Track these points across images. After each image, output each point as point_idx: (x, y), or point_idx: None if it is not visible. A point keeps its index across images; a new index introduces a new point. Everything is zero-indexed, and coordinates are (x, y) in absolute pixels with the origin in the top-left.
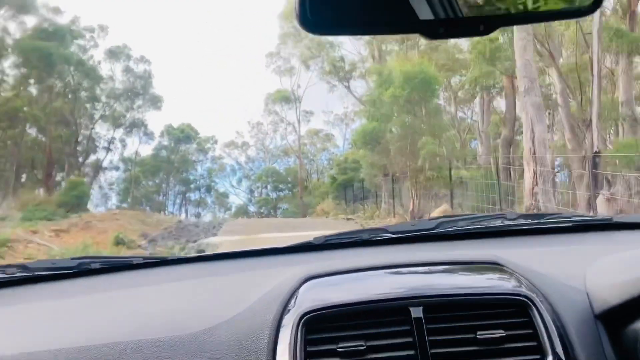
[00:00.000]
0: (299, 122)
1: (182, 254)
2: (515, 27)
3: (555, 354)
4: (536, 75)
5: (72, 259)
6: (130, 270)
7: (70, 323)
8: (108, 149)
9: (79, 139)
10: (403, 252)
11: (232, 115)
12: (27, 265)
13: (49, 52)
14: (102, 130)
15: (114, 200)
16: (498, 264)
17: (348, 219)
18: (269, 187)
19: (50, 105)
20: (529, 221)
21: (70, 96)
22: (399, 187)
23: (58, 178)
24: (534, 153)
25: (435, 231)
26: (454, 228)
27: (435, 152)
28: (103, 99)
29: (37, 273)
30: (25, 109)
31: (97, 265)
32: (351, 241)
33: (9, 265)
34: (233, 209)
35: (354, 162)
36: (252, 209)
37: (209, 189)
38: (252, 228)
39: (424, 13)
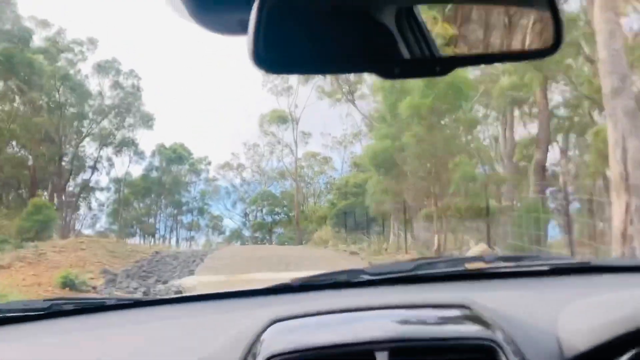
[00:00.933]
0: (296, 143)
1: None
2: (597, 5)
3: None
4: (628, 70)
5: (45, 300)
6: (102, 312)
7: None
8: (94, 168)
9: (66, 157)
10: (378, 295)
11: (227, 135)
12: None
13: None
14: (90, 148)
15: (103, 222)
16: (467, 307)
17: (352, 254)
18: (264, 210)
19: (34, 121)
20: (507, 264)
21: (55, 112)
22: (410, 216)
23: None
24: (627, 179)
25: (412, 273)
26: (432, 271)
27: (472, 175)
28: (91, 115)
29: (7, 315)
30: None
31: (69, 307)
32: (328, 283)
33: None
34: (227, 233)
35: (356, 187)
36: (246, 233)
37: (201, 212)
38: (238, 263)
39: (379, 54)
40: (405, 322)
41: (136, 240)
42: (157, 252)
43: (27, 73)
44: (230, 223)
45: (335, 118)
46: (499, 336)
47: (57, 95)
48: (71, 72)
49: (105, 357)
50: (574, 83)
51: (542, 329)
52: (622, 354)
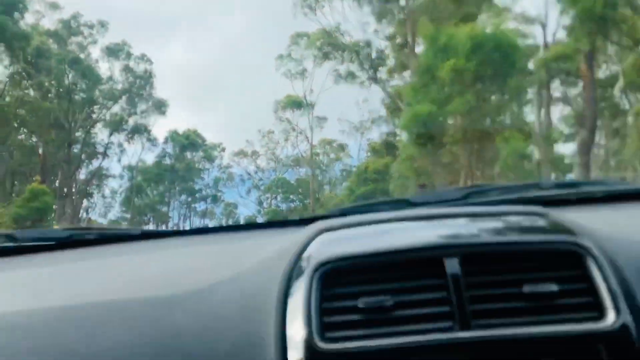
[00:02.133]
0: (311, 129)
1: None
2: None
3: (617, 309)
4: None
5: (64, 229)
6: (126, 242)
7: (58, 286)
8: (105, 155)
9: (77, 144)
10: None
11: (242, 122)
12: (14, 235)
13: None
14: (101, 135)
15: (116, 210)
16: (545, 215)
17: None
18: (278, 198)
19: (42, 106)
20: (567, 190)
21: (65, 97)
22: None
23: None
24: None
25: (464, 201)
26: (484, 199)
27: (523, 153)
28: (101, 100)
29: (24, 243)
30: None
31: (91, 237)
32: (370, 209)
33: None
34: (242, 220)
35: (376, 173)
36: (261, 220)
37: (215, 199)
38: None
39: None
40: (476, 227)
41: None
42: None
43: (34, 56)
44: (245, 210)
45: (352, 104)
46: (588, 242)
47: (66, 80)
48: (81, 55)
49: (120, 277)
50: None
51: (631, 237)
52: None
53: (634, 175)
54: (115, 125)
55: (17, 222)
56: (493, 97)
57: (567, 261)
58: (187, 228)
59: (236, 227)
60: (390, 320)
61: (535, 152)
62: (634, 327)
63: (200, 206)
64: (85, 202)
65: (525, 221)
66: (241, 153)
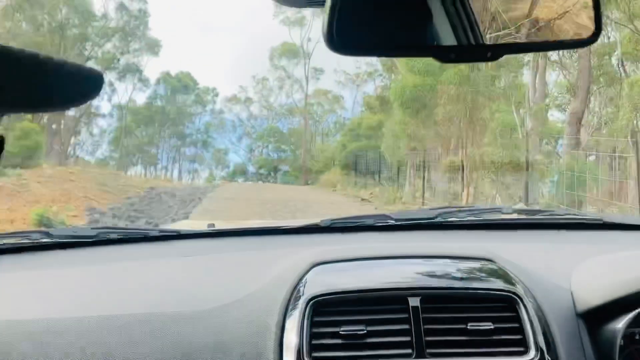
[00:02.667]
0: (307, 79)
1: None
2: None
3: (537, 347)
4: None
5: (92, 228)
6: (146, 243)
7: (90, 291)
8: None
9: None
10: (404, 240)
11: (236, 67)
12: (50, 233)
13: None
14: None
15: (104, 149)
16: (491, 260)
17: (363, 201)
18: (270, 147)
19: (34, 40)
20: (524, 216)
21: (57, 32)
22: (430, 165)
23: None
24: None
25: (435, 220)
26: (453, 219)
27: (511, 124)
28: (94, 37)
29: (58, 240)
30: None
31: (115, 236)
32: (356, 226)
33: (32, 231)
34: (231, 167)
35: (370, 129)
36: (251, 168)
37: (205, 145)
38: (239, 206)
39: (435, 40)
40: (435, 271)
41: (137, 170)
42: (152, 188)
43: None
44: (235, 157)
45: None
46: (520, 290)
47: (59, 15)
48: None
49: (148, 286)
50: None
51: (557, 283)
52: (631, 310)
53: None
54: (107, 64)
55: (5, 160)
56: (486, 65)
57: (504, 305)
58: (200, 230)
59: (250, 232)
60: (362, 345)
61: (526, 121)
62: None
63: (190, 150)
64: (73, 140)
65: (476, 266)
66: (234, 99)
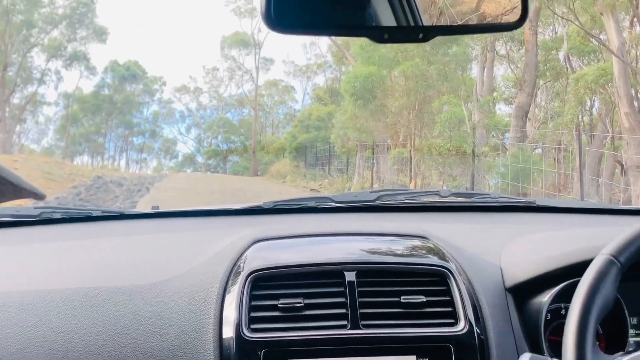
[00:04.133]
0: (257, 70)
1: None
2: None
3: (467, 319)
4: None
5: (35, 207)
6: (89, 222)
7: (34, 268)
8: (42, 81)
9: (12, 67)
10: (344, 221)
11: (186, 57)
12: None
13: None
14: (38, 60)
15: (50, 137)
16: (425, 237)
17: (312, 191)
18: (219, 137)
19: None
20: (460, 199)
21: (2, 18)
22: (378, 156)
23: None
24: None
25: (374, 203)
26: (392, 201)
27: (459, 117)
28: (40, 24)
29: (0, 219)
30: None
31: (58, 215)
32: (298, 207)
33: None
34: (180, 157)
35: (319, 120)
36: (200, 159)
37: (154, 134)
38: (187, 196)
39: (372, 20)
40: (371, 248)
41: (84, 159)
42: (99, 177)
43: None
44: (184, 148)
45: (299, 46)
46: (451, 266)
47: (4, 0)
48: None
49: (90, 263)
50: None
51: (488, 260)
52: (555, 285)
53: (569, 139)
54: (54, 51)
55: None
56: (438, 59)
57: (436, 279)
58: (144, 211)
59: (193, 213)
60: (300, 317)
61: (474, 115)
62: (475, 332)
63: (138, 140)
64: (18, 128)
65: (410, 243)
66: (183, 89)
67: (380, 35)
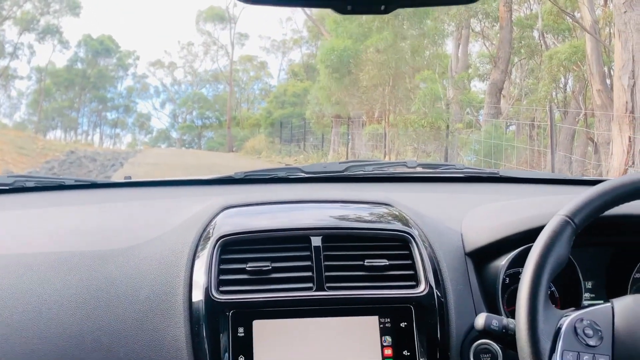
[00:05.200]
0: (232, 45)
1: None
2: None
3: (427, 282)
4: None
5: (9, 176)
6: (62, 190)
7: (8, 233)
8: (14, 55)
9: None
10: (313, 190)
11: (161, 31)
12: None
13: None
14: (11, 33)
15: (22, 112)
16: (390, 205)
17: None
18: (194, 113)
19: None
20: (426, 170)
21: None
22: (353, 131)
23: None
24: (632, 110)
25: (343, 174)
26: (360, 172)
27: (434, 93)
28: None
29: None
30: None
31: (31, 184)
32: (268, 177)
33: None
34: (154, 133)
35: (295, 96)
36: (174, 135)
37: (128, 109)
38: (162, 170)
39: None
40: (337, 214)
41: (57, 134)
42: (72, 152)
43: None
44: (158, 123)
45: (275, 21)
46: (414, 231)
47: None
48: None
49: (62, 229)
50: None
51: (449, 226)
52: (513, 250)
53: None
54: (26, 24)
55: None
56: (411, 34)
57: (398, 244)
58: (117, 181)
59: (165, 183)
60: (267, 280)
61: (449, 90)
62: (435, 294)
63: (112, 115)
64: None
65: (375, 210)
66: (158, 63)
67: (344, 6)
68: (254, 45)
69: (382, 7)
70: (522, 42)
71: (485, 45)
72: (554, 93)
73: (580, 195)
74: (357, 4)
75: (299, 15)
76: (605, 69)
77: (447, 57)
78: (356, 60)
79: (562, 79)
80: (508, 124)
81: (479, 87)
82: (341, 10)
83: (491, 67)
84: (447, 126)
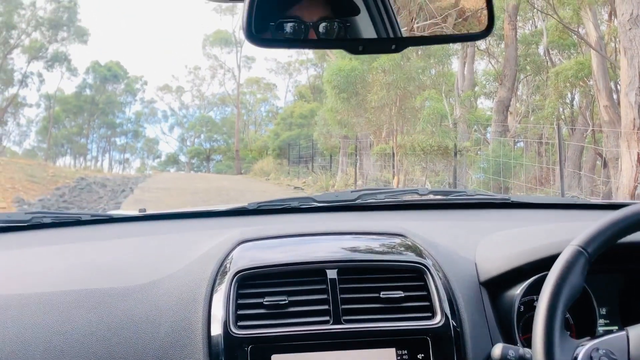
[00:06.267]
0: (239, 68)
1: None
2: None
3: (443, 312)
4: None
5: (26, 213)
6: (78, 226)
7: (27, 271)
8: (23, 83)
9: None
10: (326, 221)
11: (168, 56)
12: None
13: None
14: (19, 61)
15: (32, 139)
16: (403, 235)
17: (295, 189)
18: (202, 136)
19: None
20: (438, 197)
21: None
22: (361, 152)
23: None
24: None
25: (355, 202)
26: (372, 200)
27: (441, 112)
28: (22, 26)
29: None
30: None
31: (48, 220)
32: (281, 208)
33: None
34: (163, 157)
35: (302, 118)
36: (183, 158)
37: (136, 134)
38: (172, 195)
39: (348, 34)
40: (352, 246)
41: (66, 161)
42: (82, 178)
43: None
44: (167, 147)
45: None
46: (428, 262)
47: None
48: None
49: (81, 266)
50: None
51: (463, 256)
52: (527, 279)
53: (550, 132)
54: (35, 52)
55: None
56: (417, 55)
57: (413, 275)
58: (132, 214)
59: (180, 215)
60: (284, 314)
61: (456, 109)
62: (451, 324)
63: (121, 140)
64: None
65: (388, 241)
66: (165, 88)
67: (356, 47)
68: (261, 67)
69: (393, 47)
70: (528, 59)
71: (491, 63)
72: (561, 109)
73: (593, 225)
74: (368, 45)
75: None
76: (612, 84)
77: (453, 76)
78: (363, 81)
79: (569, 95)
80: (516, 141)
81: (485, 104)
82: (353, 50)
83: (497, 84)
84: (455, 145)
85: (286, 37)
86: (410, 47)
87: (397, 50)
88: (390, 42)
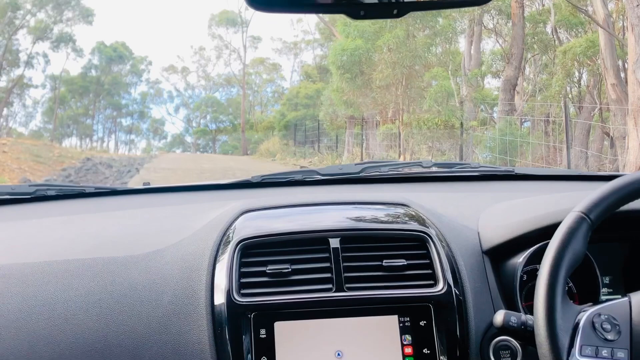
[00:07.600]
0: (244, 48)
1: None
2: None
3: (445, 280)
4: None
5: (30, 185)
6: (83, 198)
7: (31, 242)
8: (28, 64)
9: None
10: (330, 192)
11: (173, 37)
12: None
13: None
14: (25, 42)
15: (38, 120)
16: (406, 205)
17: (302, 168)
18: (208, 117)
19: None
20: (442, 169)
21: None
22: (367, 132)
23: None
24: None
25: (359, 175)
26: (376, 173)
27: (447, 90)
28: (26, 6)
29: None
30: None
31: (52, 192)
32: (285, 181)
33: None
34: (169, 138)
35: (307, 98)
36: (189, 139)
37: (142, 115)
38: (178, 175)
39: None
40: (355, 215)
41: (72, 142)
42: (88, 159)
43: None
44: (173, 128)
45: (287, 23)
46: (431, 231)
47: None
48: None
49: (85, 236)
50: None
51: (466, 225)
52: (530, 247)
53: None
54: (40, 33)
55: None
56: (423, 34)
57: (416, 243)
58: (136, 187)
59: (183, 188)
60: (287, 282)
61: (462, 88)
62: (453, 292)
63: (127, 121)
64: (5, 111)
65: (391, 210)
66: (171, 68)
67: (357, 11)
68: (266, 47)
69: (395, 11)
70: (535, 37)
71: (498, 42)
72: (568, 88)
73: (595, 191)
74: (369, 9)
75: (310, 16)
76: (620, 62)
77: (459, 55)
78: (368, 60)
79: (576, 74)
80: (523, 120)
81: (492, 83)
82: (354, 15)
83: (504, 63)
84: (461, 124)
85: (287, 1)
86: (418, 24)
87: (398, 15)
88: (392, 6)
